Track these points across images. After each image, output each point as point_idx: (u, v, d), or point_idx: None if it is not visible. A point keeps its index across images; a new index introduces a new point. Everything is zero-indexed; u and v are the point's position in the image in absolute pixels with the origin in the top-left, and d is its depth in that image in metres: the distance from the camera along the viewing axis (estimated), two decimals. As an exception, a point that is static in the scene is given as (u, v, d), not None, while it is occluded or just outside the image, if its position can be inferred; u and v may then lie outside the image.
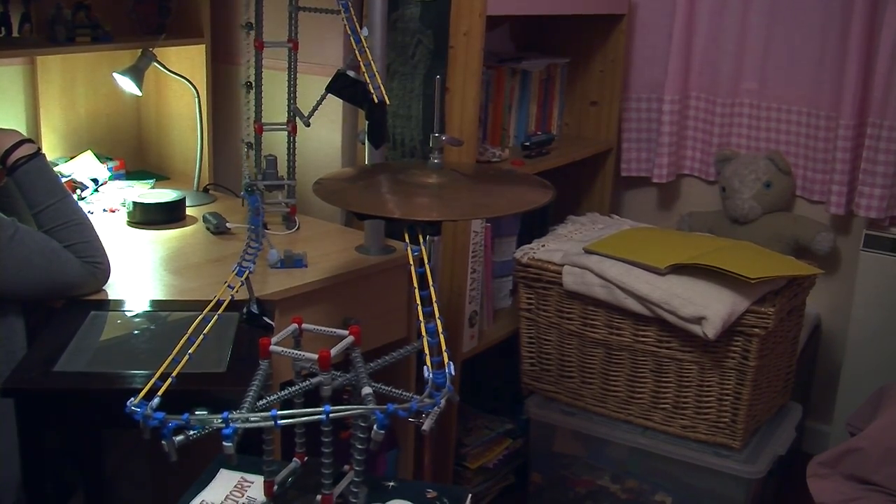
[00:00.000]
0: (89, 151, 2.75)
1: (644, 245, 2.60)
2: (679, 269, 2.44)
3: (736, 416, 2.46)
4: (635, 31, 3.33)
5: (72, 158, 2.72)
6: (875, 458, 2.19)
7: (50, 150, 2.73)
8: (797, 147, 3.17)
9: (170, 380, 1.35)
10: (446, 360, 1.35)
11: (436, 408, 1.29)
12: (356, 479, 1.44)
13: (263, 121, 2.51)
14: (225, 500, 1.49)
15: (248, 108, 2.50)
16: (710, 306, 2.34)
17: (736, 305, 2.35)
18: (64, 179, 2.56)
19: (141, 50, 2.67)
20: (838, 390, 3.11)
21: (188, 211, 2.61)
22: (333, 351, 1.40)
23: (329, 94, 2.19)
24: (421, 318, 1.47)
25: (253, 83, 2.48)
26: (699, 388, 2.49)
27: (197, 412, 1.24)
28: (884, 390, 2.47)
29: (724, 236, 3.00)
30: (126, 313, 1.92)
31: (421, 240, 1.70)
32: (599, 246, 2.60)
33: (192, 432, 1.24)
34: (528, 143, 2.99)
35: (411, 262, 1.61)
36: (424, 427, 1.29)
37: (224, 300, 1.70)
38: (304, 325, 1.52)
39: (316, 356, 1.37)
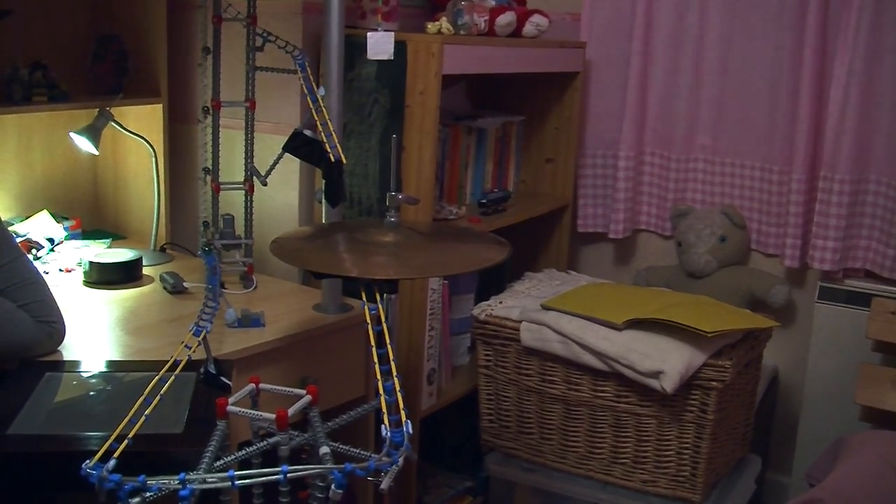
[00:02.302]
0: (45, 211, 2.74)
1: (601, 300, 2.63)
2: (636, 324, 2.47)
3: (695, 469, 2.48)
4: (590, 89, 3.38)
5: (27, 218, 2.71)
6: (834, 509, 2.21)
7: (5, 209, 2.72)
8: (751, 201, 3.22)
9: (126, 441, 1.35)
10: (404, 418, 1.36)
11: (394, 466, 1.30)
12: (315, 539, 1.44)
13: (220, 180, 2.52)
14: (182, 562, 1.48)
15: (205, 197, 2.51)
16: (667, 360, 2.36)
17: (693, 359, 2.38)
18: (19, 239, 2.55)
19: (98, 109, 2.68)
20: (797, 441, 3.13)
21: (145, 270, 2.60)
22: (291, 410, 1.41)
23: (286, 154, 2.21)
24: (378, 376, 1.48)
25: (211, 48, 2.47)
26: (658, 442, 2.50)
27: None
28: (841, 441, 2.50)
29: (681, 291, 3.03)
30: (82, 374, 1.91)
31: (378, 298, 1.71)
32: (557, 302, 2.62)
33: (148, 494, 1.24)
34: (484, 201, 3.01)
35: (368, 321, 1.62)
36: (383, 486, 1.29)
37: (181, 360, 1.70)
38: (262, 385, 1.53)
39: (273, 416, 1.37)
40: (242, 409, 1.43)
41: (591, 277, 3.02)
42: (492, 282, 3.04)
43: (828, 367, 3.03)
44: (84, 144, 2.70)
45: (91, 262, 2.50)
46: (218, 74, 2.45)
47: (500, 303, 2.74)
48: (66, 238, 2.74)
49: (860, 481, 2.27)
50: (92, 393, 1.84)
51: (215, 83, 2.45)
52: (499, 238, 2.02)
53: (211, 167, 2.52)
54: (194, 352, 1.79)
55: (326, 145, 2.08)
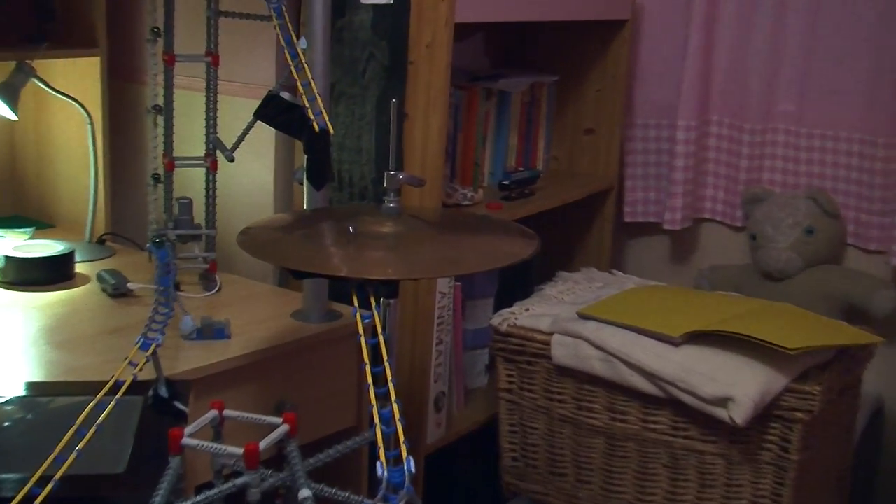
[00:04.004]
0: (-51, 193, 2.75)
1: (654, 308, 2.63)
2: (698, 339, 2.47)
3: (773, 523, 2.48)
4: (641, 41, 3.38)
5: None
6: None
7: None
8: (847, 183, 3.20)
9: (51, 484, 1.35)
10: (405, 453, 1.36)
11: (392, 514, 1.30)
12: None
13: (175, 154, 2.52)
14: None
15: (155, 138, 2.51)
16: (737, 384, 2.36)
17: (771, 383, 2.37)
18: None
19: (15, 63, 2.67)
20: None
21: (78, 268, 2.60)
22: (263, 444, 1.41)
23: (258, 122, 2.21)
24: (373, 401, 1.48)
25: (162, 106, 2.49)
26: (727, 488, 2.50)
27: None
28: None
29: (756, 296, 3.02)
30: (-4, 399, 1.91)
31: (374, 304, 1.71)
32: (597, 309, 2.62)
33: (82, 550, 1.24)
34: (507, 182, 3.02)
35: (361, 332, 1.62)
36: (378, 539, 1.30)
37: (124, 381, 1.70)
38: (227, 412, 1.53)
39: (241, 451, 1.37)
40: (202, 443, 1.43)
41: (640, 279, 3.02)
42: (516, 284, 3.04)
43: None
44: (-1, 107, 2.70)
45: (8, 258, 2.51)
46: (172, 20, 2.45)
47: (527, 310, 2.74)
48: (-23, 227, 2.75)
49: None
50: (7, 424, 1.84)
51: (168, 31, 2.45)
52: (525, 229, 2.02)
53: (162, 176, 2.52)
54: (141, 370, 1.79)
55: (309, 111, 2.08)
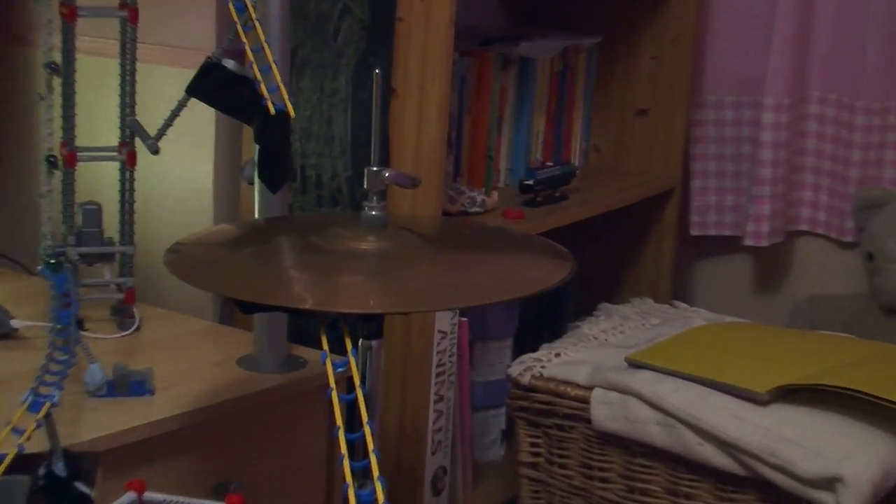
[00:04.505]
0: None
1: (731, 354, 2.63)
2: (793, 396, 2.46)
3: None
4: (713, -11, 3.40)
5: None
6: None
7: None
8: None
9: None
10: (392, 552, 1.36)
11: None
12: None
13: (78, 144, 2.51)
14: None
15: (50, 108, 2.50)
16: (848, 459, 2.35)
17: (895, 458, 2.37)
18: None
19: None
20: None
21: (-54, 299, 2.61)
22: (197, 540, 1.40)
23: (193, 100, 2.20)
24: (349, 479, 1.48)
25: (59, 65, 2.48)
26: None
27: None
28: None
29: (872, 336, 3.02)
30: None
31: (349, 347, 1.70)
32: (654, 355, 2.61)
33: None
34: (531, 182, 3.02)
35: (333, 385, 1.62)
36: None
37: (5, 455, 1.70)
38: (147, 495, 1.52)
39: (167, 549, 1.37)
40: (114, 538, 1.42)
41: (711, 313, 3.02)
42: (543, 320, 3.04)
43: None
44: None
45: None
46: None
47: (558, 355, 2.74)
48: None
49: None
50: None
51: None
52: (555, 246, 2.01)
53: (59, 163, 2.51)
54: (29, 439, 1.79)
55: (262, 86, 2.08)
